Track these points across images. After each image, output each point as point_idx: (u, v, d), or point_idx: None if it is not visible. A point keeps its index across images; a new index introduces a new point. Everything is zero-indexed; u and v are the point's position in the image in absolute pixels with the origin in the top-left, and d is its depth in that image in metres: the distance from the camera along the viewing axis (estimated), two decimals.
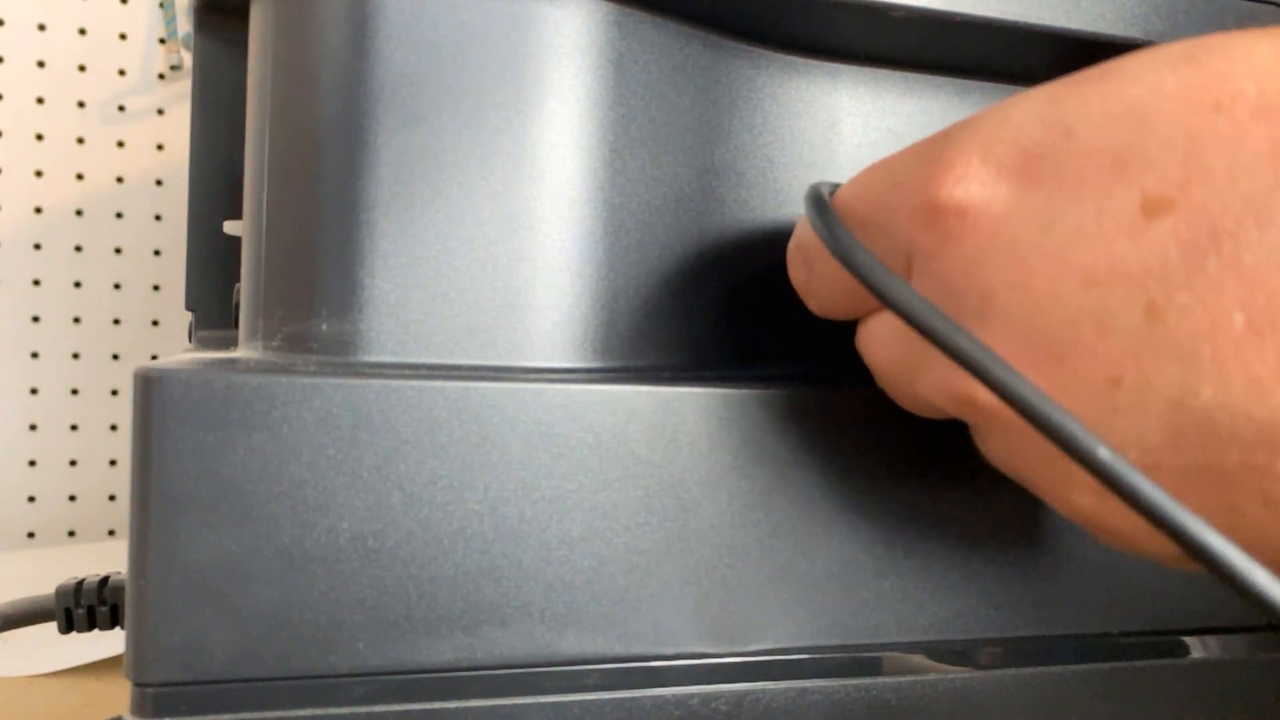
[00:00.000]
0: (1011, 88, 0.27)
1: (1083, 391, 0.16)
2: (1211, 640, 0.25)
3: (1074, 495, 0.17)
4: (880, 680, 0.22)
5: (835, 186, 0.21)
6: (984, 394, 0.17)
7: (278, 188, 0.22)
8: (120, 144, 0.60)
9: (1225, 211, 0.15)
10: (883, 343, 0.20)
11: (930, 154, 0.18)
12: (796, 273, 0.22)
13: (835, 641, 0.22)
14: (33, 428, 0.59)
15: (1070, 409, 0.16)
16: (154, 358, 0.61)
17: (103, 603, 0.28)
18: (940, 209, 0.17)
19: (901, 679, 0.23)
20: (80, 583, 0.28)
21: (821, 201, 0.20)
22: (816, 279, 0.21)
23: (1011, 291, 0.16)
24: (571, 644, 0.20)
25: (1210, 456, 0.15)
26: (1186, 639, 0.25)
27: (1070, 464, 0.16)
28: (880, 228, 0.19)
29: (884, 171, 0.19)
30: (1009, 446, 0.18)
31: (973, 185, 0.17)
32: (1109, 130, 0.16)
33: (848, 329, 0.22)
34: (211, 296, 0.33)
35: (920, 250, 0.18)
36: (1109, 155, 0.16)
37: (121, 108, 0.60)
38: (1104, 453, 0.15)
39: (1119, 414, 0.16)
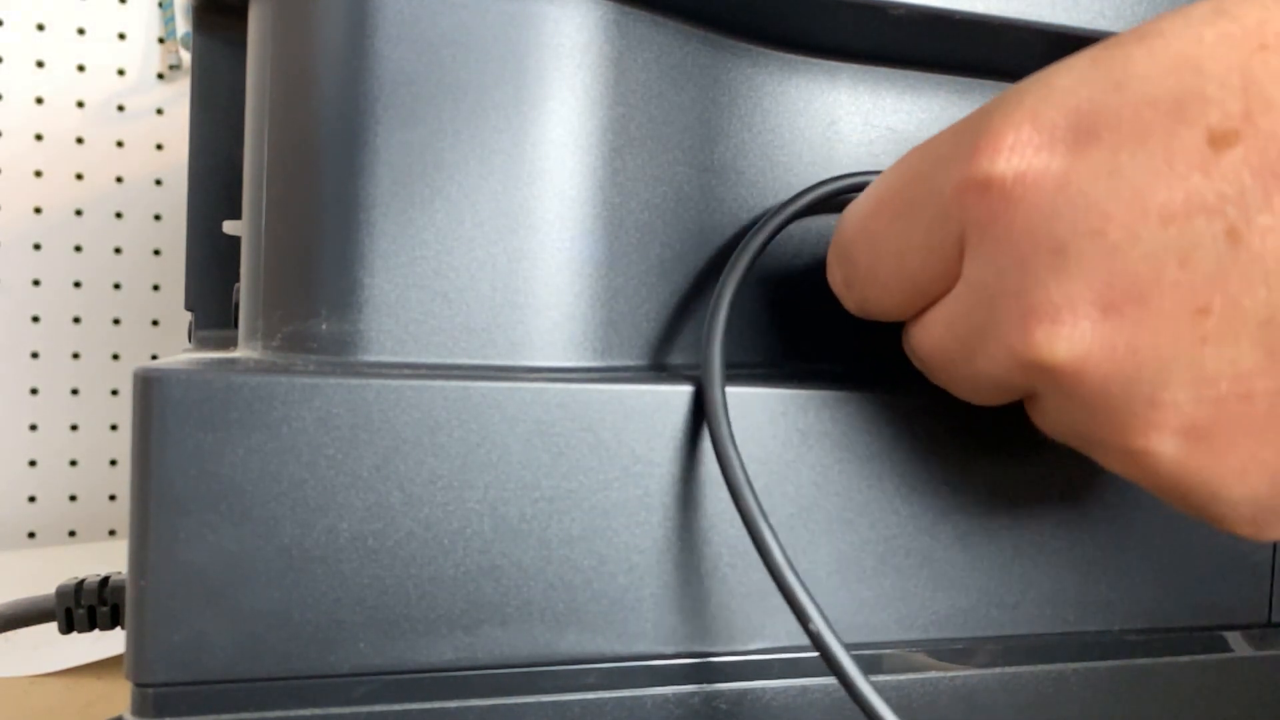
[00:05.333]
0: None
1: (1169, 328, 0.16)
2: (1219, 638, 0.25)
3: (1153, 441, 0.17)
4: (880, 679, 0.22)
5: (870, 176, 0.21)
6: (1063, 351, 0.17)
7: (277, 187, 0.22)
8: (119, 144, 0.60)
9: None
10: (942, 327, 0.20)
11: (974, 129, 0.18)
12: (835, 273, 0.22)
13: None
14: (33, 428, 0.59)
15: (1157, 347, 0.17)
16: (154, 357, 0.61)
17: (103, 603, 0.28)
18: (994, 179, 0.17)
19: (902, 678, 0.23)
20: (80, 583, 0.28)
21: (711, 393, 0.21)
22: (864, 276, 0.21)
23: (1086, 240, 0.17)
24: (571, 643, 0.20)
25: None
26: (1194, 636, 0.25)
27: (1152, 406, 0.17)
28: (924, 206, 0.19)
29: (924, 152, 0.20)
30: (1079, 405, 0.18)
31: (1026, 150, 0.17)
32: (1161, 78, 0.17)
33: (846, 327, 0.22)
34: (211, 296, 0.33)
35: (975, 223, 0.18)
36: (1166, 100, 0.16)
37: (121, 107, 0.60)
38: (815, 624, 0.19)
39: (1208, 344, 0.16)
